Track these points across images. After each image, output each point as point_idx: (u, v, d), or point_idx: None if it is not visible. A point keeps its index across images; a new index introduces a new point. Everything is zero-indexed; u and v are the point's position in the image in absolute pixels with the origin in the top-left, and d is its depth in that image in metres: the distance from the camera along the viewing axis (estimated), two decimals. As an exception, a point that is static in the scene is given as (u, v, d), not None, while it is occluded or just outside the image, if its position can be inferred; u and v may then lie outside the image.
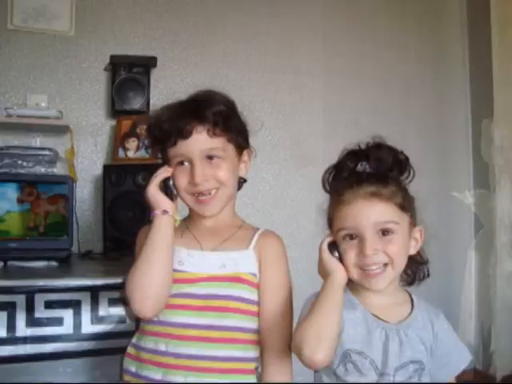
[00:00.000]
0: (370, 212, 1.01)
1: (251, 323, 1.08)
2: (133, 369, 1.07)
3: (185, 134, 1.06)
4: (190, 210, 1.15)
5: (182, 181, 1.09)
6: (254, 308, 1.08)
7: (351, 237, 1.02)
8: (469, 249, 2.93)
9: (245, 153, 1.17)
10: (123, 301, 1.35)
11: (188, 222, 1.16)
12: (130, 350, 1.11)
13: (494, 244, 2.77)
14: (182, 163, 1.09)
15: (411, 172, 1.08)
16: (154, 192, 1.09)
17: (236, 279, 1.06)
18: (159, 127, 1.09)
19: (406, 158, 1.08)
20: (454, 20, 3.03)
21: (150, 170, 1.19)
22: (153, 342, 1.04)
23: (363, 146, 1.08)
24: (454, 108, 2.99)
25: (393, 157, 1.07)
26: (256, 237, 1.12)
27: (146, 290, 1.02)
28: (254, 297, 1.08)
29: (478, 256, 2.90)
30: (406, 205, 1.05)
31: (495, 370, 2.70)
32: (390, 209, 1.02)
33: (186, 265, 1.07)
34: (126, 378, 1.09)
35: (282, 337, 1.07)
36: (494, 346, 2.73)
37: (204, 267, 1.07)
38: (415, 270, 1.10)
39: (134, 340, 1.11)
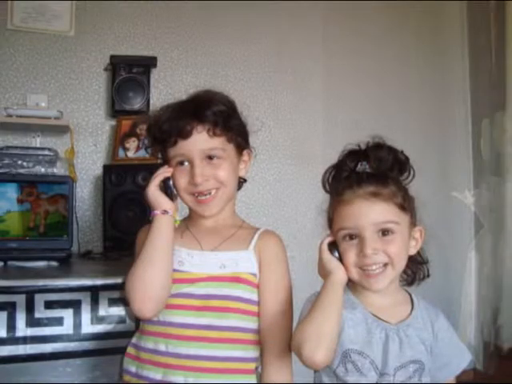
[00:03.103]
0: (370, 212, 1.01)
1: (251, 323, 1.07)
2: (133, 369, 1.07)
3: (185, 134, 1.06)
4: (190, 210, 1.15)
5: (182, 181, 1.09)
6: (254, 308, 1.08)
7: (351, 237, 1.02)
8: (469, 249, 2.93)
9: (245, 153, 1.17)
10: (123, 301, 1.35)
11: (188, 222, 1.16)
12: (129, 349, 1.11)
13: (505, 228, 2.77)
14: (181, 163, 1.09)
15: (411, 172, 1.08)
16: (154, 192, 1.09)
17: (236, 279, 1.06)
18: (159, 127, 1.09)
19: (406, 158, 1.08)
20: (454, 20, 3.04)
21: (149, 169, 1.19)
22: (152, 342, 1.04)
23: (363, 146, 1.08)
24: (454, 108, 3.00)
25: (393, 157, 1.07)
26: (256, 237, 1.12)
27: (146, 291, 1.02)
28: (254, 297, 1.08)
29: (477, 256, 2.91)
30: (406, 205, 1.04)
31: (502, 344, 2.73)
32: (389, 209, 1.02)
33: (185, 265, 1.07)
34: (126, 377, 1.09)
35: (282, 337, 1.07)
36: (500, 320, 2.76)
37: (204, 267, 1.07)
38: (415, 270, 1.10)
39: (133, 340, 1.11)
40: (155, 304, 1.03)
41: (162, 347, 1.03)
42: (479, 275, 2.90)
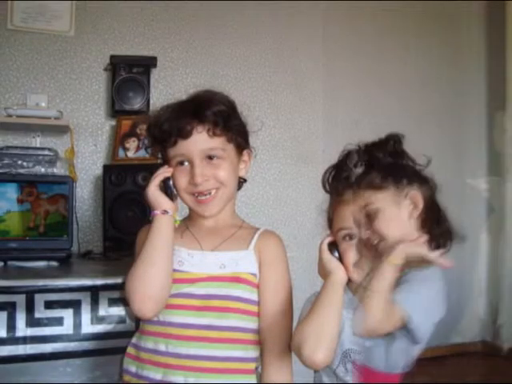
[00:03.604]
0: None
1: (251, 323, 1.07)
2: (133, 369, 1.07)
3: (185, 134, 1.06)
4: (190, 210, 1.15)
5: (182, 181, 1.09)
6: (254, 308, 1.08)
7: (351, 237, 1.02)
8: (480, 231, 3.05)
9: (245, 153, 1.16)
10: (123, 301, 1.35)
11: (188, 222, 1.16)
12: (129, 349, 1.11)
13: (504, 228, 2.94)
14: (181, 163, 1.09)
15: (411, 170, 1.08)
16: (154, 192, 1.09)
17: (236, 279, 1.06)
18: (159, 127, 1.09)
19: (402, 151, 1.09)
20: (472, 18, 3.10)
21: (149, 169, 1.19)
22: (152, 342, 1.05)
23: (363, 147, 1.08)
24: (470, 101, 3.08)
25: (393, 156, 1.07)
26: (256, 237, 1.12)
27: (146, 290, 1.02)
28: (254, 297, 1.08)
29: (489, 238, 3.06)
30: None
31: (502, 344, 2.90)
32: None
33: (185, 265, 1.07)
34: (126, 378, 1.09)
35: (281, 337, 1.07)
36: (501, 320, 2.91)
37: (204, 267, 1.07)
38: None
39: (133, 340, 1.11)
40: (155, 304, 1.03)
41: (161, 347, 1.03)
42: (490, 255, 3.05)
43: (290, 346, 1.03)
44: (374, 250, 1.06)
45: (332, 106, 2.74)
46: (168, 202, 1.09)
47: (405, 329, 0.98)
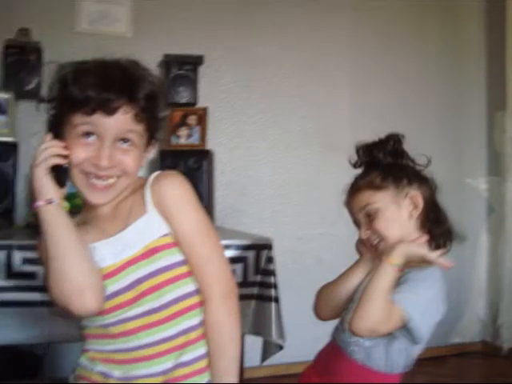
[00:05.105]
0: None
1: (188, 286, 0.97)
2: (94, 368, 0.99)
3: (108, 110, 0.91)
4: (84, 201, 0.99)
5: (81, 156, 0.93)
6: (183, 269, 0.96)
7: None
8: (481, 231, 3.04)
9: (153, 142, 1.03)
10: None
11: (85, 214, 1.02)
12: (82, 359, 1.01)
13: (504, 227, 2.94)
14: (87, 135, 0.93)
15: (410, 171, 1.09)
16: (42, 177, 0.91)
17: (152, 251, 0.94)
18: (80, 88, 0.90)
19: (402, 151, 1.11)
20: (472, 19, 3.09)
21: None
22: (101, 345, 0.97)
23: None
24: (470, 101, 3.08)
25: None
26: (147, 193, 0.97)
27: (75, 285, 0.90)
28: (177, 258, 0.96)
29: (489, 238, 3.04)
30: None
31: (502, 344, 2.89)
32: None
33: (100, 260, 0.95)
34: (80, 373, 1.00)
35: (220, 277, 0.97)
36: (501, 319, 2.90)
37: (116, 255, 0.95)
38: None
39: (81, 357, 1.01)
40: (93, 292, 0.91)
41: (112, 347, 0.96)
42: (490, 255, 3.03)
43: (231, 284, 0.98)
44: (374, 250, 1.07)
45: (358, 100, 2.82)
46: (53, 189, 0.91)
47: (405, 329, 0.98)
